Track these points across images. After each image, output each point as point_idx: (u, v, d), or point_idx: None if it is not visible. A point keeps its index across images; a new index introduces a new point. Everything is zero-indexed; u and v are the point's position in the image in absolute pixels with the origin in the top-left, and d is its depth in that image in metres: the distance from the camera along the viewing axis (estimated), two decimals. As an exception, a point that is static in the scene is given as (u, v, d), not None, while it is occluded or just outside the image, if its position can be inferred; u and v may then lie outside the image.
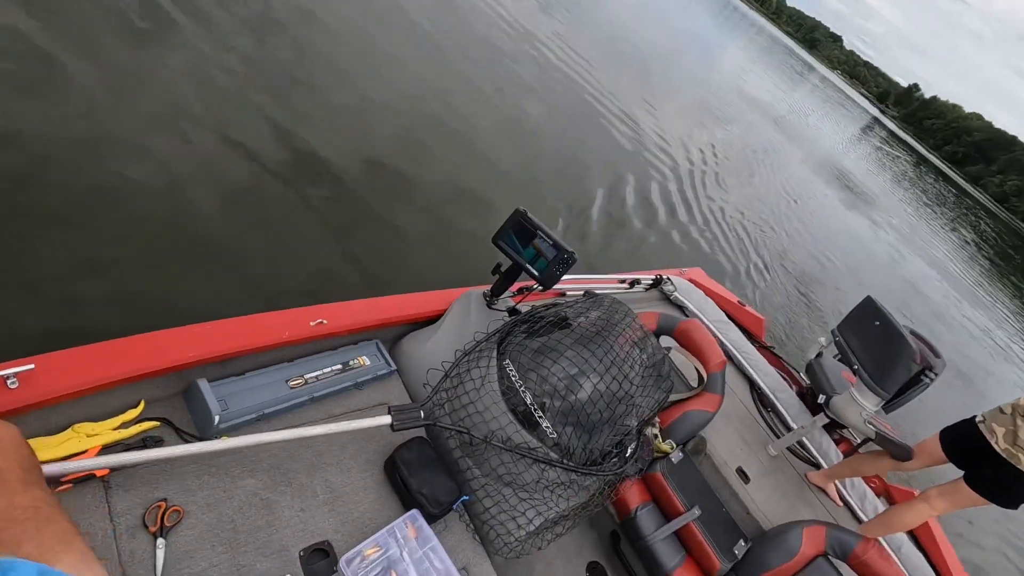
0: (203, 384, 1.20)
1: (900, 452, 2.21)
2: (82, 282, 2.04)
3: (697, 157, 7.95)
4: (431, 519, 1.32)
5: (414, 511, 1.31)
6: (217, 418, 1.18)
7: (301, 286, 2.58)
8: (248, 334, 1.31)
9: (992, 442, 2.03)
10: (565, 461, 1.40)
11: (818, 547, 1.95)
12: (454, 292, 1.82)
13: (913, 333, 2.61)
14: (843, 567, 1.97)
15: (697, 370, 2.27)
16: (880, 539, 2.29)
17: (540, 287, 1.68)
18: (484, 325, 1.68)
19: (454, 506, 1.35)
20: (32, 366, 0.98)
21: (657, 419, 2.15)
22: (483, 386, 1.45)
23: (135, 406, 1.15)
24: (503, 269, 1.70)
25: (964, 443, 2.15)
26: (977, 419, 2.14)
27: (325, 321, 1.45)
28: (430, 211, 3.56)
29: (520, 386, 1.45)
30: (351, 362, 1.52)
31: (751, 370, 2.87)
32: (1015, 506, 2.02)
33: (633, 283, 2.72)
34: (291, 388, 1.36)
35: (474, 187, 4.00)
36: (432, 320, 1.74)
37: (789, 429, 2.66)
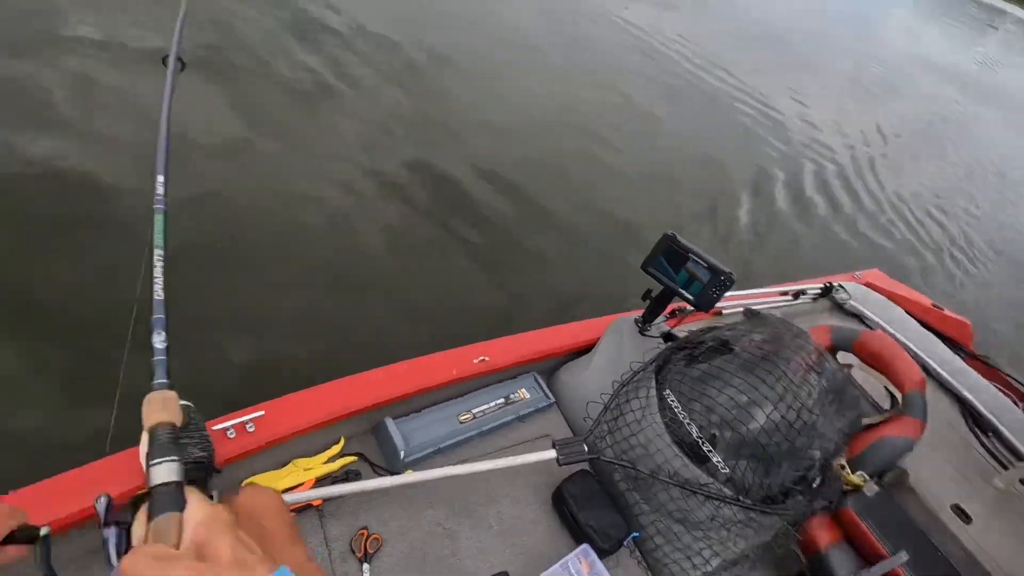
0: (389, 422, 1.35)
1: None
2: (277, 325, 2.40)
3: (859, 139, 7.06)
4: (602, 554, 1.32)
5: (585, 546, 1.32)
6: (402, 452, 1.31)
7: (463, 322, 2.76)
8: (422, 374, 1.43)
9: None
10: (741, 498, 1.31)
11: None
12: (605, 320, 1.82)
13: None
14: None
15: (888, 389, 1.99)
16: None
17: (695, 308, 1.62)
18: (639, 353, 1.65)
19: (624, 542, 1.34)
20: (262, 412, 1.18)
21: (844, 448, 1.93)
22: (644, 418, 1.43)
23: (336, 442, 1.32)
24: (654, 294, 1.67)
25: None
26: None
27: (487, 358, 1.53)
28: (572, 236, 3.61)
29: (684, 417, 1.40)
30: (512, 395, 1.59)
31: (959, 387, 2.44)
32: None
33: (798, 294, 2.48)
34: (461, 423, 1.46)
35: (613, 207, 3.98)
36: (586, 350, 1.75)
37: (1020, 457, 2.21)
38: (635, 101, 5.58)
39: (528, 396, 1.61)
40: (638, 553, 1.38)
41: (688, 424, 1.39)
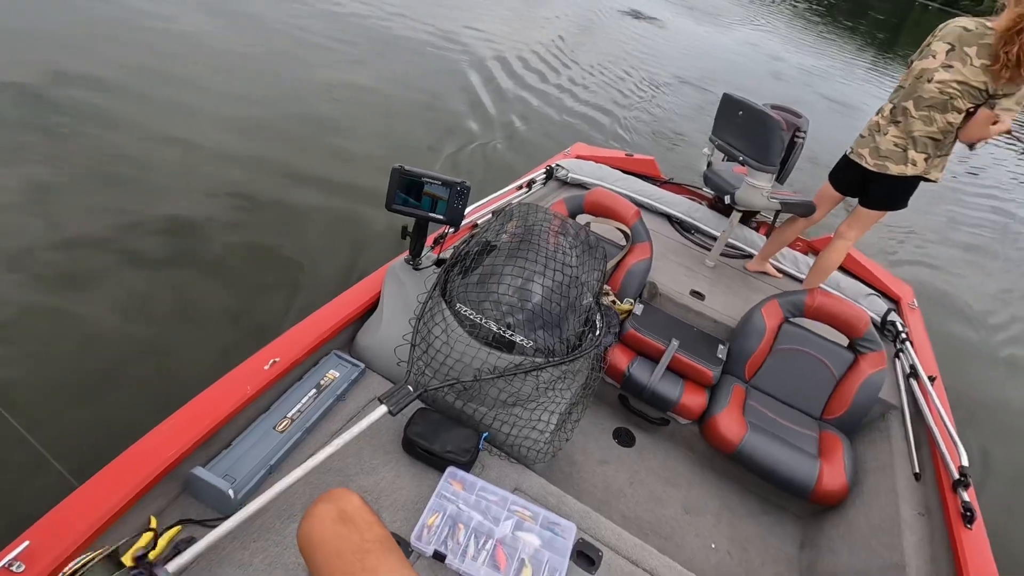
0: (200, 471, 1.19)
1: (805, 208, 2.49)
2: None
3: (540, 47, 7.94)
4: (467, 467, 1.41)
5: (450, 468, 1.39)
6: (231, 492, 1.19)
7: (240, 340, 2.49)
8: (213, 407, 1.28)
9: (864, 164, 2.32)
10: (550, 359, 1.51)
11: (778, 317, 2.22)
12: (379, 273, 1.83)
13: (773, 107, 2.86)
14: (803, 321, 2.25)
15: (620, 230, 2.42)
16: (821, 284, 2.62)
17: (452, 228, 1.72)
18: (421, 286, 1.71)
19: (480, 447, 1.44)
20: (27, 543, 0.95)
21: (607, 287, 2.31)
22: (449, 336, 1.51)
23: (147, 526, 1.13)
24: (410, 230, 1.72)
25: (847, 175, 2.44)
26: (848, 152, 2.43)
27: (278, 359, 1.43)
28: (320, 216, 3.44)
29: (481, 319, 1.52)
30: (321, 381, 1.53)
31: (662, 206, 3.07)
32: (903, 204, 2.35)
33: (530, 184, 2.79)
34: (281, 432, 1.37)
35: (356, 179, 3.87)
36: (373, 308, 1.75)
37: (714, 239, 2.91)
38: (333, 77, 5.34)
39: (337, 374, 1.56)
40: (494, 449, 1.51)
41: (486, 323, 1.51)
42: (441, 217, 1.63)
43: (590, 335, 1.66)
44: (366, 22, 6.95)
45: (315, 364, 1.58)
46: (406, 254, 1.82)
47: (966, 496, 1.65)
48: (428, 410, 1.51)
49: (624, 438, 2.18)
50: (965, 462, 1.74)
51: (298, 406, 1.44)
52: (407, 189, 1.58)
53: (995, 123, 2.02)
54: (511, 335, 1.51)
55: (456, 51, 6.95)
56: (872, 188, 2.34)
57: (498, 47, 7.52)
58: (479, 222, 2.32)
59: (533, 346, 1.52)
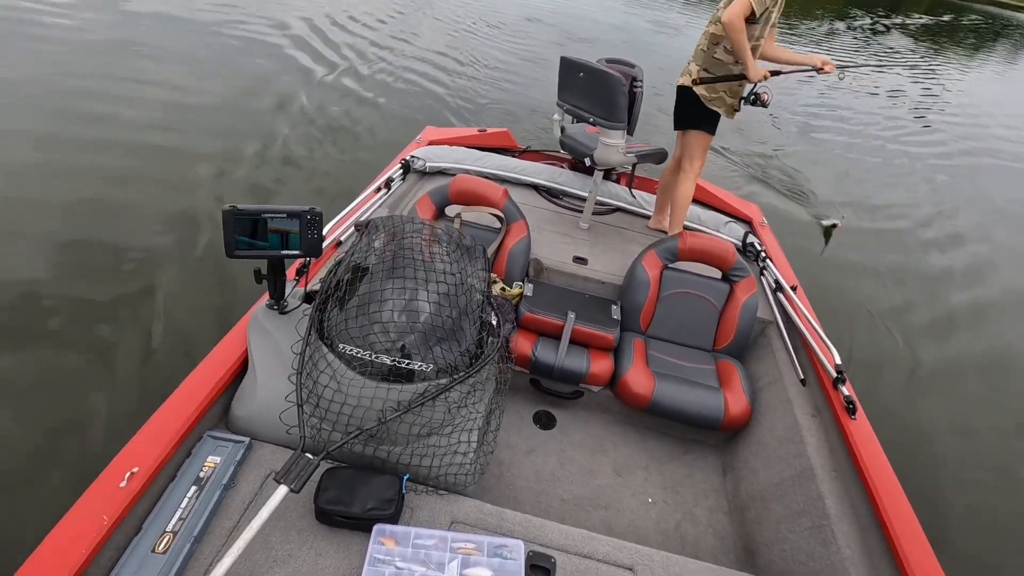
0: None
1: (658, 156, 2.59)
2: None
3: (363, 34, 7.45)
4: (395, 519, 1.29)
5: (376, 526, 1.25)
6: (114, 652, 0.97)
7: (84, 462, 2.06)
8: (59, 560, 1.03)
9: (688, 85, 2.50)
10: (455, 376, 1.41)
11: (658, 265, 2.30)
12: (241, 327, 1.59)
13: (608, 61, 2.91)
14: (680, 264, 2.36)
15: (492, 214, 2.34)
16: (685, 224, 2.77)
17: (313, 257, 1.53)
18: (293, 332, 1.51)
19: (403, 491, 1.32)
20: None
21: (494, 275, 2.24)
22: (340, 382, 1.35)
23: None
24: (264, 272, 1.50)
25: (681, 108, 2.58)
26: (678, 84, 2.57)
27: (136, 468, 1.19)
28: (150, 268, 2.97)
29: (369, 355, 1.37)
30: (201, 474, 1.30)
31: (527, 178, 3.04)
32: (706, 123, 2.55)
33: (388, 183, 2.61)
34: (163, 553, 1.14)
35: (173, 209, 3.37)
36: (243, 369, 1.52)
37: (582, 200, 2.95)
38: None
39: (218, 459, 1.34)
40: (419, 486, 1.40)
41: (377, 357, 1.37)
42: (296, 252, 1.44)
43: (489, 337, 1.59)
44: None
45: (188, 455, 1.34)
46: (267, 297, 1.60)
47: (845, 391, 1.85)
48: (337, 468, 1.35)
49: (545, 421, 2.17)
50: (838, 360, 1.94)
51: (178, 513, 1.21)
52: (248, 230, 1.36)
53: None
54: (408, 364, 1.38)
55: (278, 44, 6.33)
56: (696, 112, 2.52)
57: (324, 32, 6.99)
58: (341, 240, 2.12)
59: (434, 368, 1.41)
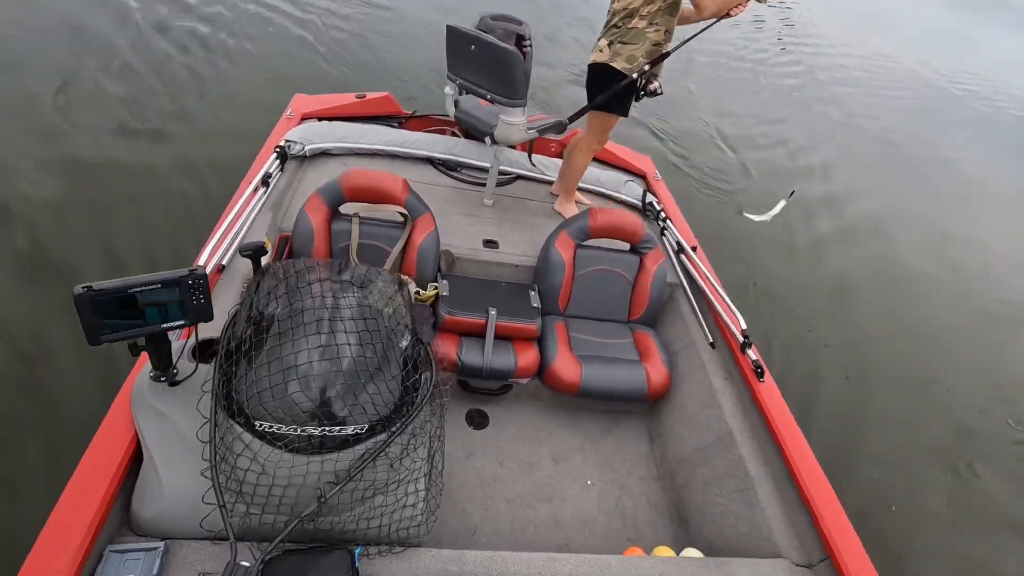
0: None
1: (559, 127, 2.49)
2: None
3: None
4: (352, 595, 1.21)
5: (334, 611, 1.17)
6: None
7: None
8: None
9: (606, 61, 2.33)
10: (394, 428, 1.31)
11: (570, 246, 2.27)
12: (123, 406, 1.35)
13: (493, 18, 2.68)
14: (595, 241, 2.34)
15: (397, 211, 2.16)
16: (582, 184, 2.73)
17: (194, 323, 1.29)
18: (190, 408, 1.29)
19: (356, 564, 1.24)
20: None
21: (405, 276, 2.09)
22: (265, 465, 1.20)
23: None
24: (142, 344, 1.25)
25: (590, 84, 2.45)
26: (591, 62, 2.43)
27: None
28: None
29: (291, 427, 1.22)
30: (113, 600, 1.12)
31: (421, 152, 2.82)
32: (620, 106, 2.40)
33: (266, 180, 2.26)
34: None
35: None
36: (138, 459, 1.31)
37: (482, 171, 2.81)
38: None
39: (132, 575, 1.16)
40: (373, 550, 1.32)
41: (300, 429, 1.22)
42: (181, 322, 1.21)
43: (416, 370, 1.46)
44: None
45: None
46: (148, 370, 1.34)
47: (753, 355, 1.99)
48: (277, 557, 1.22)
49: (478, 420, 2.14)
50: (744, 325, 2.07)
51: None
52: (114, 311, 1.11)
53: None
54: (337, 426, 1.25)
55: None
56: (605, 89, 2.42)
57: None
58: (225, 262, 1.84)
59: (367, 420, 1.29)
